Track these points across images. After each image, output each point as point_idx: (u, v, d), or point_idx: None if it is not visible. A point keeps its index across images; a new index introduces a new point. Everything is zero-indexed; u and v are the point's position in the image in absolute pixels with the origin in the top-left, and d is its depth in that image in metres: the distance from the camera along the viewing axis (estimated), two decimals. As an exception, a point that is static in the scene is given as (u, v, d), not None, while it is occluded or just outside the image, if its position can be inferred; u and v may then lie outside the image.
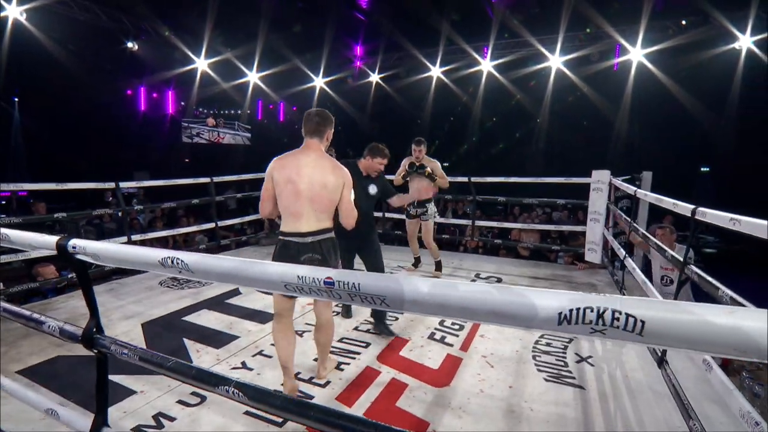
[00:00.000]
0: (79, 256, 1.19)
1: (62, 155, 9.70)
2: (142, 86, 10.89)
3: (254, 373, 2.44)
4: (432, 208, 4.21)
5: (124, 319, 3.19)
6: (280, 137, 12.97)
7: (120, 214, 4.23)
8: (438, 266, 4.39)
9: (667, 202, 2.32)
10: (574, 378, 2.45)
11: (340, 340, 2.88)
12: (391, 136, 13.14)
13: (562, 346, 2.84)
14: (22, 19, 7.32)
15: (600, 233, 4.52)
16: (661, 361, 2.27)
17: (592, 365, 2.60)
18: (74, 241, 1.20)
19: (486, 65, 10.34)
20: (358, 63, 11.80)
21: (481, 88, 10.77)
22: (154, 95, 11.53)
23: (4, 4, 6.96)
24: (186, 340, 2.83)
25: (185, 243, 6.72)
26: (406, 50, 10.84)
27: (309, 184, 1.99)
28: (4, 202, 8.59)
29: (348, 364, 2.57)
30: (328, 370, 2.40)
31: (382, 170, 3.02)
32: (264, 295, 3.80)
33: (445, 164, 15.22)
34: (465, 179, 5.34)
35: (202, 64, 10.26)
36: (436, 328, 3.08)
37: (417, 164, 4.10)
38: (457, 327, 3.12)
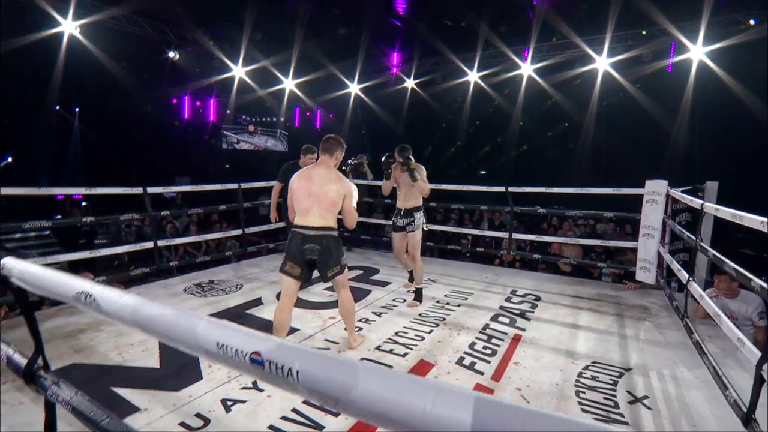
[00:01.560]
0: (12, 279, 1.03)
1: (115, 160, 10.28)
2: (186, 95, 11.29)
3: (264, 395, 2.27)
4: (420, 217, 3.78)
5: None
6: (317, 144, 13.02)
7: (144, 221, 4.21)
8: (418, 295, 3.73)
9: (752, 219, 1.91)
10: (627, 423, 2.08)
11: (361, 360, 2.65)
12: (427, 142, 13.06)
13: (611, 381, 2.47)
14: (77, 33, 7.75)
15: (655, 250, 4.05)
16: (748, 420, 1.85)
17: (649, 408, 2.22)
18: (5, 260, 1.03)
19: (526, 69, 9.87)
20: (395, 70, 11.67)
21: (521, 92, 10.30)
22: (197, 103, 11.94)
23: (60, 19, 7.38)
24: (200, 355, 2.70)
25: (217, 248, 6.80)
26: (442, 55, 10.57)
27: (318, 187, 2.52)
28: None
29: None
30: (358, 342, 2.85)
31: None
32: (306, 294, 3.67)
33: (482, 172, 14.70)
34: (502, 189, 5.04)
35: (239, 71, 10.50)
36: (465, 352, 2.81)
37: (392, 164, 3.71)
38: (489, 351, 2.83)
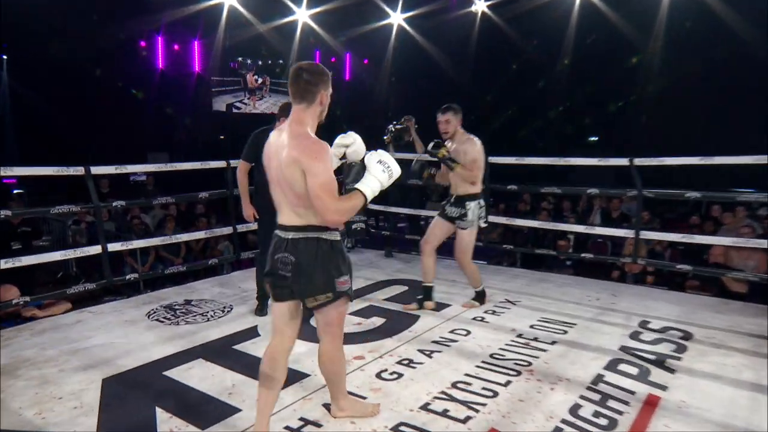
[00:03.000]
0: None
1: (62, 131, 10.66)
2: (160, 35, 11.56)
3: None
4: (475, 209, 4.03)
5: (81, 371, 3.16)
6: (347, 103, 12.99)
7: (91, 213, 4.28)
8: (480, 296, 4.32)
9: None
10: None
11: (396, 429, 2.49)
12: (505, 96, 12.64)
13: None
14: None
15: None
16: None
17: None
18: None
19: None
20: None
21: (663, 9, 9.55)
22: (175, 47, 12.25)
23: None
24: (159, 411, 2.70)
25: (203, 253, 6.89)
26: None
27: (277, 168, 2.20)
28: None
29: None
30: (346, 412, 2.61)
31: None
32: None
33: (592, 139, 14.24)
34: (624, 161, 4.78)
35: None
36: (564, 421, 2.57)
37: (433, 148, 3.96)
38: (604, 423, 2.57)
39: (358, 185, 2.17)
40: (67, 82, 10.69)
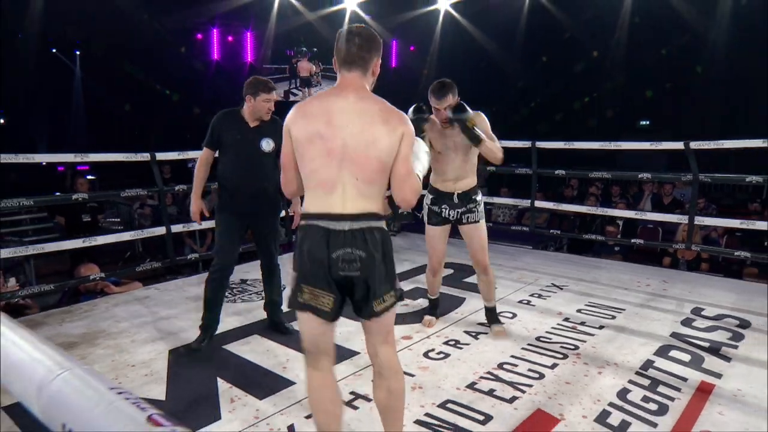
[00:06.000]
0: None
1: (126, 120, 11.19)
2: (215, 26, 11.83)
3: (303, 447, 2.23)
4: (482, 200, 3.35)
5: (150, 342, 3.32)
6: (393, 90, 12.97)
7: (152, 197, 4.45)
8: (492, 315, 3.48)
9: None
10: None
11: (443, 405, 2.51)
12: (555, 79, 12.29)
13: None
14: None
15: None
16: None
17: None
18: None
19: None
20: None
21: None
22: (229, 39, 12.51)
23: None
24: (219, 381, 2.80)
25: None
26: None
27: (348, 138, 1.79)
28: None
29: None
30: None
31: (273, 110, 3.14)
32: (345, 318, 3.65)
33: (644, 123, 13.80)
34: (678, 145, 4.57)
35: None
36: (612, 404, 2.53)
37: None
38: (654, 408, 2.50)
39: (417, 171, 2.01)
40: (131, 74, 11.18)
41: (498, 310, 3.71)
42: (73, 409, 0.68)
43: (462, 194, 3.22)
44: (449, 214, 3.25)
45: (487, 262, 3.33)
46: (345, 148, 1.77)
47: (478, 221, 3.26)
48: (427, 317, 3.58)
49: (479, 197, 3.29)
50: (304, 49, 12.77)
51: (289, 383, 2.78)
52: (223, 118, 3.18)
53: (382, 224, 1.87)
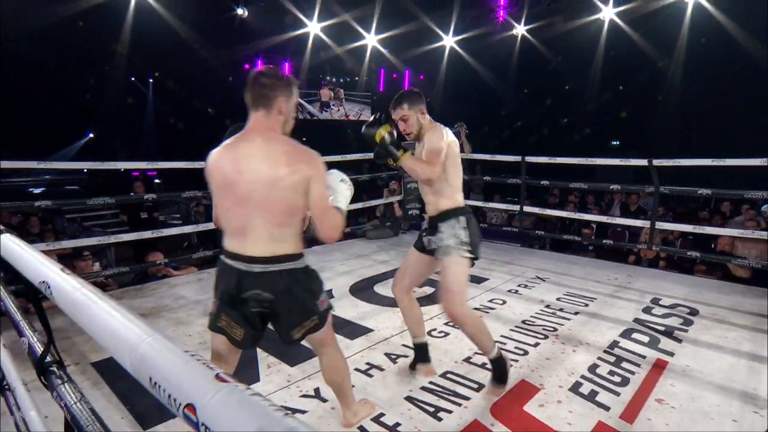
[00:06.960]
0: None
1: (187, 134, 11.43)
2: (259, 58, 11.96)
3: (327, 406, 2.26)
4: (457, 229, 2.23)
5: (203, 316, 3.31)
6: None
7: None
8: (499, 372, 2.34)
9: None
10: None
11: (444, 375, 2.53)
12: (541, 104, 12.23)
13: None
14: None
15: None
16: None
17: None
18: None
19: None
20: (501, 13, 11.01)
21: (683, 29, 8.91)
22: (271, 67, 12.62)
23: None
24: (259, 351, 2.80)
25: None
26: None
27: (254, 184, 1.57)
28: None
29: (449, 412, 2.21)
30: (361, 414, 2.14)
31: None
32: (358, 300, 3.71)
33: (614, 143, 13.56)
34: (643, 162, 4.52)
35: (314, 27, 10.82)
36: (584, 377, 2.53)
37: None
38: (618, 380, 2.50)
39: (336, 204, 1.77)
40: (191, 97, 11.49)
41: (491, 298, 3.68)
42: (158, 367, 0.71)
43: (431, 219, 2.35)
44: (425, 241, 2.38)
45: (455, 309, 2.21)
46: (252, 193, 1.58)
47: (449, 255, 2.22)
48: (421, 366, 2.56)
49: (447, 227, 2.24)
50: (329, 78, 12.83)
51: (314, 355, 2.75)
52: (236, 131, 3.27)
53: (296, 264, 1.66)
